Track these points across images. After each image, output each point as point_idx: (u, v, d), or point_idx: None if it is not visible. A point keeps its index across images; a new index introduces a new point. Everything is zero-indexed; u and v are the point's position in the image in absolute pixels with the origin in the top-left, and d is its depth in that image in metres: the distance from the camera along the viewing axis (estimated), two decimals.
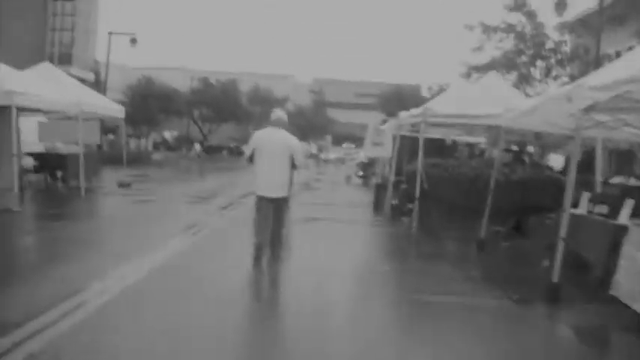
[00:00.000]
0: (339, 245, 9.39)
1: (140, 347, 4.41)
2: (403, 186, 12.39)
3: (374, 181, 23.47)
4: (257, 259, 7.37)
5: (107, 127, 32.21)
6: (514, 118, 8.02)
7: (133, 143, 40.08)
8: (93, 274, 6.28)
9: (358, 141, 50.65)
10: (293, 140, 7.50)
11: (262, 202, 7.47)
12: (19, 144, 11.14)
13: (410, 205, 11.60)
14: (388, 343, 4.89)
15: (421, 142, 10.93)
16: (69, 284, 5.79)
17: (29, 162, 14.19)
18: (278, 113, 7.68)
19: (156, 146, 48.58)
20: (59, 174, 14.77)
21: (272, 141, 7.38)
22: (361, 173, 24.79)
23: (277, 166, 7.36)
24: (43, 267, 6.76)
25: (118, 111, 15.79)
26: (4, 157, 10.42)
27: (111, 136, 36.27)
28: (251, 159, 7.51)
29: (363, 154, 26.53)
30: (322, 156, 48.35)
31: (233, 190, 18.04)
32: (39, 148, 14.92)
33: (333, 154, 50.07)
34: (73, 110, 12.91)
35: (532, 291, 6.52)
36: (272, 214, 7.47)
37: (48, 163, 14.59)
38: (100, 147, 22.44)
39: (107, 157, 22.54)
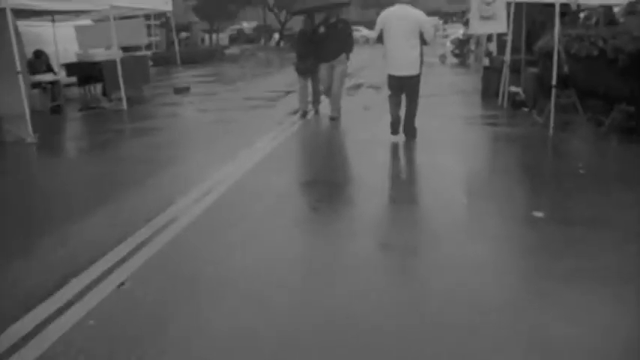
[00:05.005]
0: (451, 155, 6.91)
1: None
2: (531, 69, 9.08)
3: (471, 60, 19.92)
4: (394, 134, 7.48)
5: (180, 25, 29.82)
6: None
7: (211, 38, 37.79)
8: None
9: (446, 16, 45.34)
10: (421, 16, 7.21)
11: (394, 80, 7.34)
12: (23, 57, 8.95)
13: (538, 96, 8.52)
14: None
15: (557, 7, 7.69)
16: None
17: (63, 76, 12.19)
18: None
19: (233, 39, 45.78)
20: (100, 86, 12.58)
21: (400, 18, 7.09)
22: (457, 52, 21.21)
23: (407, 44, 7.09)
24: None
25: (162, 3, 13.18)
26: (6, 76, 8.26)
27: (184, 34, 34.04)
28: (380, 39, 7.35)
29: (459, 31, 22.70)
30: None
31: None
32: (72, 57, 12.70)
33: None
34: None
35: None
36: (404, 93, 7.35)
37: (83, 73, 12.26)
38: (149, 47, 20.06)
39: (182, 56, 18.54)
